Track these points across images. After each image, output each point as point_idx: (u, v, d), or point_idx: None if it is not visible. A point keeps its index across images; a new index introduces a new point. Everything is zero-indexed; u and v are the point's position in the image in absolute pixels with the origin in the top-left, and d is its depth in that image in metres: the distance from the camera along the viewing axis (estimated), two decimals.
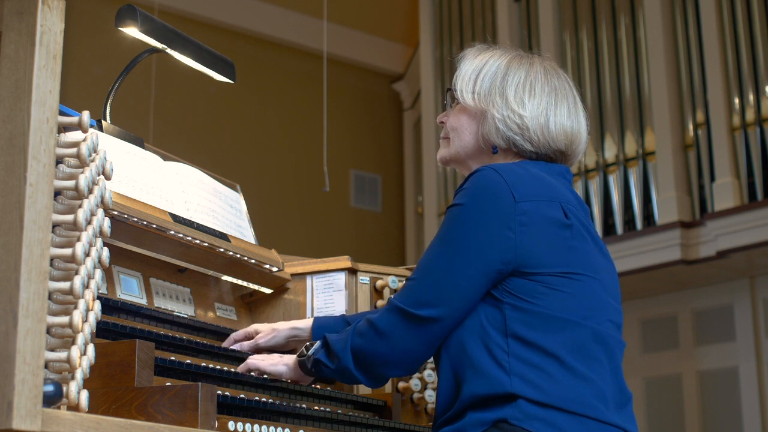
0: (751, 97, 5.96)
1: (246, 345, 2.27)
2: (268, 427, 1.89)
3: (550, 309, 1.86)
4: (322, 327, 2.27)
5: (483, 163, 2.06)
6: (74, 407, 1.42)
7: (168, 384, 1.79)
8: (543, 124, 2.00)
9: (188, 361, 2.00)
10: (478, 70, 2.07)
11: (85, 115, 1.48)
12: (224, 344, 2.28)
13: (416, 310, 1.89)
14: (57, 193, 1.47)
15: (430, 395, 2.59)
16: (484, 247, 1.86)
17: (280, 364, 2.10)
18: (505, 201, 1.87)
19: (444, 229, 1.92)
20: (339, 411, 2.22)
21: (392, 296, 1.97)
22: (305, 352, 2.06)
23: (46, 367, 1.40)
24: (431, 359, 2.62)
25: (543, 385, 1.81)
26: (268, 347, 2.27)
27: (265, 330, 2.28)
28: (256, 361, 2.11)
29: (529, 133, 2.00)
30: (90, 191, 1.49)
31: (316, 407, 2.11)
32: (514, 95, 2.02)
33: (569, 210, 1.93)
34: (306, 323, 2.29)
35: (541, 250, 1.87)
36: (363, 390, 2.54)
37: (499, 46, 2.14)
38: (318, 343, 2.05)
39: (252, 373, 2.11)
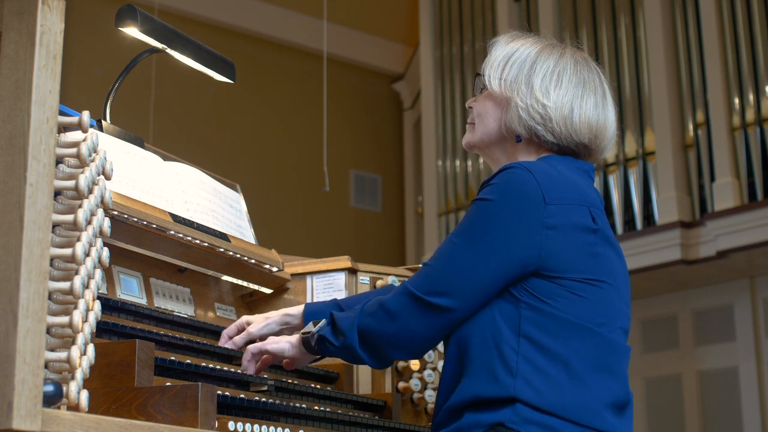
0: (751, 97, 5.96)
1: (239, 339, 2.22)
2: (268, 427, 1.89)
3: (566, 313, 1.85)
4: (314, 313, 2.24)
5: (506, 151, 2.05)
6: (74, 407, 1.42)
7: (168, 384, 1.79)
8: (567, 115, 1.98)
9: (188, 361, 2.00)
10: (507, 57, 2.05)
11: (85, 115, 1.48)
12: (220, 343, 2.25)
13: (429, 298, 1.87)
14: (57, 193, 1.47)
15: (430, 395, 2.59)
16: (508, 247, 1.84)
17: (282, 341, 2.08)
18: (535, 202, 1.85)
19: (469, 222, 1.89)
20: (339, 411, 2.22)
21: (407, 280, 1.94)
22: (310, 328, 2.04)
23: (46, 367, 1.40)
24: (430, 359, 2.62)
25: (546, 391, 1.80)
26: (260, 336, 2.23)
27: (258, 319, 2.25)
28: (257, 343, 2.10)
29: (551, 124, 1.98)
30: (90, 191, 1.49)
31: (316, 407, 2.11)
32: (540, 84, 1.99)
33: (597, 215, 1.91)
34: (297, 309, 2.26)
35: (566, 255, 1.86)
36: (363, 390, 2.54)
37: (533, 33, 2.12)
38: (324, 321, 2.03)
39: (250, 363, 2.08)
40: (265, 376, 2.13)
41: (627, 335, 1.97)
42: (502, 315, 1.86)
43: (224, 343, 2.25)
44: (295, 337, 2.08)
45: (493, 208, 1.87)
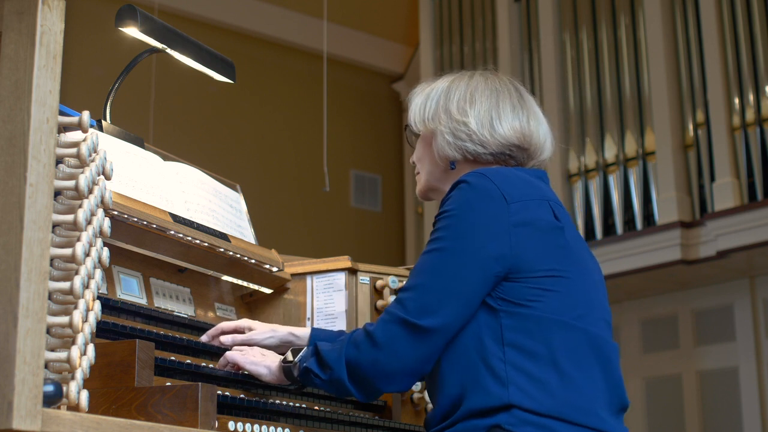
0: (751, 97, 5.96)
1: (239, 338, 2.20)
2: (268, 427, 1.89)
3: (544, 311, 1.85)
4: (319, 339, 2.19)
5: (452, 181, 2.05)
6: (74, 407, 1.42)
7: (168, 384, 1.79)
8: (488, 124, 2.04)
9: (188, 361, 2.00)
10: (425, 99, 2.14)
11: (85, 115, 1.48)
12: (209, 333, 2.20)
13: (419, 320, 1.85)
14: (57, 193, 1.47)
15: None
16: (482, 250, 1.85)
17: (261, 364, 2.05)
18: (498, 203, 1.87)
19: (440, 236, 1.90)
20: (339, 411, 2.22)
21: (389, 307, 1.91)
22: (291, 358, 2.01)
23: (46, 367, 1.40)
24: None
25: (539, 395, 1.80)
26: (263, 347, 2.19)
27: (263, 328, 2.22)
28: (236, 354, 2.07)
29: (477, 137, 2.03)
30: (90, 191, 1.49)
31: (316, 407, 2.11)
32: (456, 107, 2.07)
33: (557, 209, 1.94)
34: (304, 332, 2.23)
35: (535, 251, 1.87)
36: None
37: (445, 73, 2.21)
38: (307, 351, 1.99)
39: (225, 367, 2.06)
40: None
41: (610, 327, 1.98)
42: (483, 328, 1.86)
43: (216, 333, 2.20)
44: (275, 364, 2.04)
45: (459, 217, 1.88)
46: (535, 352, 1.83)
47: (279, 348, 2.22)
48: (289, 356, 2.02)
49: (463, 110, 2.06)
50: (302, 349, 2.02)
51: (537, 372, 1.82)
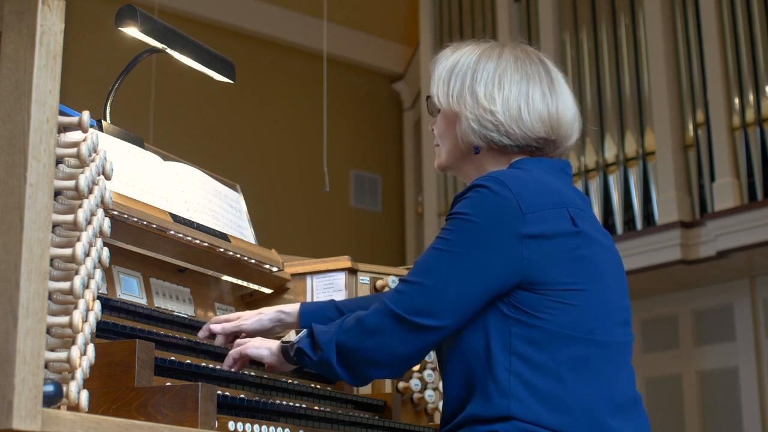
0: (751, 97, 5.96)
1: (229, 326, 2.19)
2: (268, 427, 1.89)
3: (556, 325, 1.82)
4: (310, 312, 2.21)
5: (474, 164, 2.03)
6: (74, 407, 1.42)
7: (168, 384, 1.79)
8: (516, 116, 1.96)
9: (188, 361, 2.00)
10: (450, 71, 2.05)
11: (85, 115, 1.48)
12: (201, 332, 2.19)
13: (414, 318, 1.83)
14: (57, 193, 1.47)
15: (430, 395, 2.59)
16: (490, 261, 1.81)
17: (262, 347, 2.05)
18: (513, 214, 1.82)
19: (447, 238, 1.85)
20: (339, 411, 2.22)
21: (385, 297, 1.88)
22: (290, 338, 2.02)
23: (46, 367, 1.40)
24: (430, 359, 2.62)
25: (540, 408, 1.78)
26: (252, 330, 2.20)
27: (250, 314, 2.21)
28: (238, 347, 2.07)
29: (504, 128, 1.96)
30: (90, 191, 1.49)
31: (316, 407, 2.11)
32: (483, 92, 1.98)
33: (576, 214, 1.88)
34: (293, 308, 2.23)
35: (549, 264, 1.82)
36: (363, 390, 2.54)
37: (473, 41, 2.11)
38: (304, 332, 1.99)
39: (232, 366, 2.06)
40: (252, 373, 2.12)
41: (629, 325, 1.94)
42: (492, 333, 1.84)
43: (208, 331, 2.19)
44: (275, 345, 2.04)
45: (473, 223, 1.83)
46: (540, 364, 1.80)
47: (273, 329, 2.23)
48: (289, 337, 2.02)
49: (491, 97, 1.97)
50: (302, 331, 2.01)
51: (540, 385, 1.79)
